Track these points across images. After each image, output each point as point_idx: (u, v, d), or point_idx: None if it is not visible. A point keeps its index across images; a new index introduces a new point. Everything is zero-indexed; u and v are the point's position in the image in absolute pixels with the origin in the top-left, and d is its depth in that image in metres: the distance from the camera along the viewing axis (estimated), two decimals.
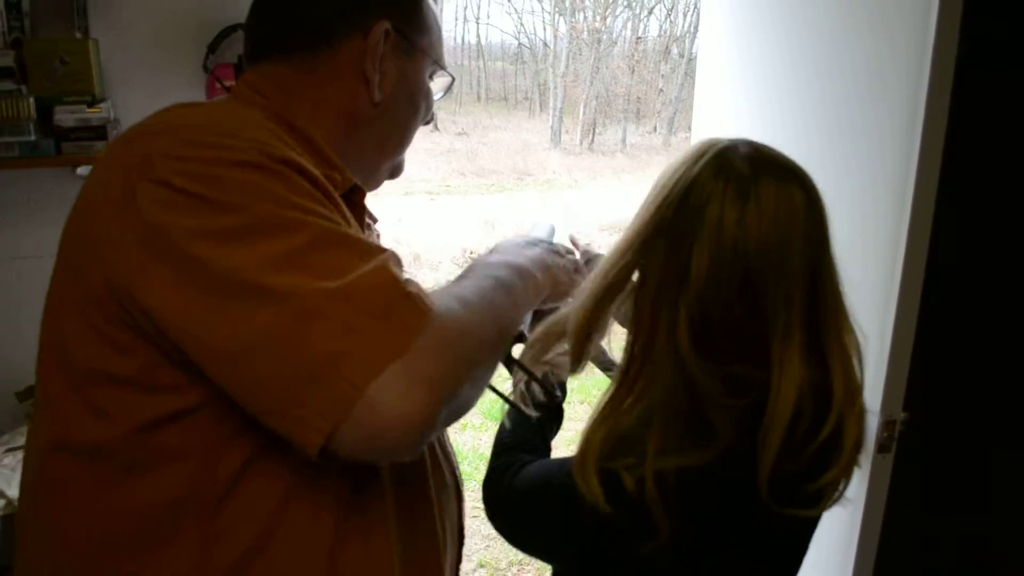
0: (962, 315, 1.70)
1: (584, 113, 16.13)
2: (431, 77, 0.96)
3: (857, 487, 1.46)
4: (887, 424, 1.43)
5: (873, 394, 1.42)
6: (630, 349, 0.84)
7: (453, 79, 1.00)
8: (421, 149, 14.38)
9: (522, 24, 25.16)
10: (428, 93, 0.95)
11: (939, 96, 1.29)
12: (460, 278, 0.82)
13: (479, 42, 21.22)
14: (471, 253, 7.59)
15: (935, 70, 1.28)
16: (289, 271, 0.61)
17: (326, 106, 0.86)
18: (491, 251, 0.94)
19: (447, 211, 9.77)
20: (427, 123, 0.98)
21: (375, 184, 0.96)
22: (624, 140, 16.07)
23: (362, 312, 0.61)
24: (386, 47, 0.86)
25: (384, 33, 0.85)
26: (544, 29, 19.58)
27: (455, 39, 20.86)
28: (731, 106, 1.94)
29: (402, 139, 0.95)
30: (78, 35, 1.85)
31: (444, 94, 0.99)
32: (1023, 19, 1.58)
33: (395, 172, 0.99)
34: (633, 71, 17.57)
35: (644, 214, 0.85)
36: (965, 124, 1.38)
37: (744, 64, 1.88)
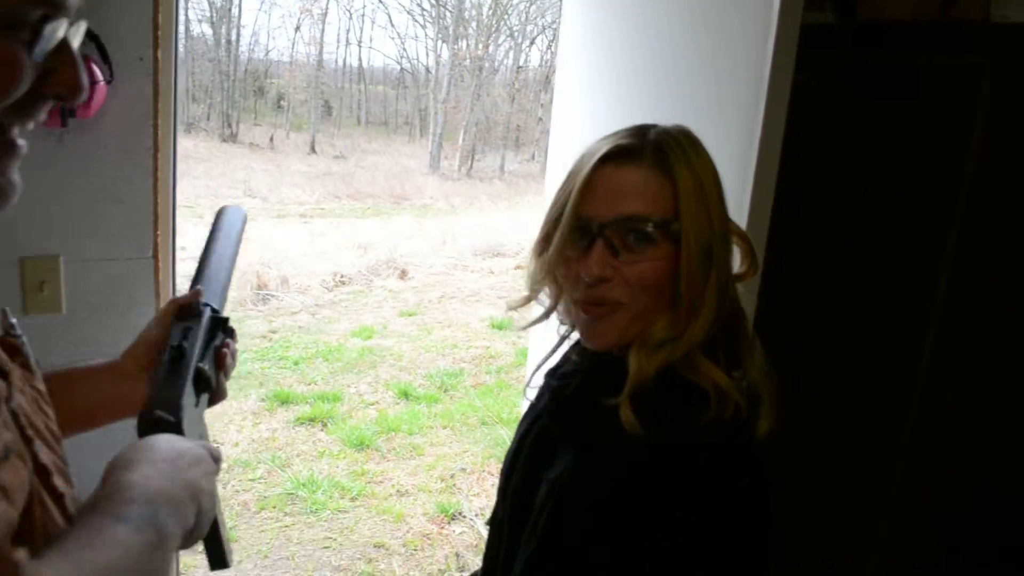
0: (799, 330, 1.70)
1: (464, 139, 16.19)
2: (34, 35, 0.53)
3: None
4: None
5: None
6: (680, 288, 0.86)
7: (78, 22, 0.57)
8: (296, 171, 14.02)
9: (405, 49, 25.10)
10: (15, 60, 0.51)
11: (775, 129, 1.30)
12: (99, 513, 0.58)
13: (360, 65, 20.92)
14: (341, 277, 7.37)
15: (771, 94, 1.29)
16: None
17: None
18: (143, 460, 0.65)
19: (320, 234, 9.46)
20: (61, 100, 0.56)
21: None
22: (502, 167, 16.20)
23: None
24: None
25: None
26: (427, 55, 19.52)
27: (336, 61, 20.54)
28: (584, 130, 1.92)
29: None
30: None
31: (52, 44, 0.53)
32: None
33: None
34: (513, 99, 17.82)
35: None
36: (804, 143, 1.39)
37: (594, 88, 1.87)
